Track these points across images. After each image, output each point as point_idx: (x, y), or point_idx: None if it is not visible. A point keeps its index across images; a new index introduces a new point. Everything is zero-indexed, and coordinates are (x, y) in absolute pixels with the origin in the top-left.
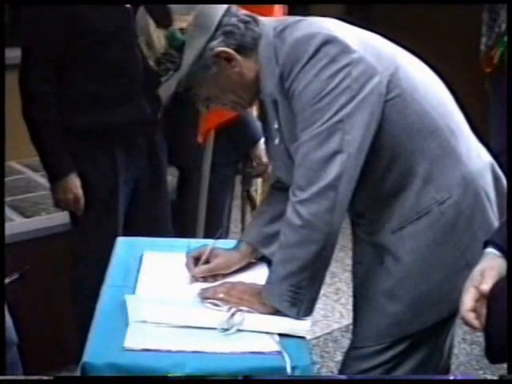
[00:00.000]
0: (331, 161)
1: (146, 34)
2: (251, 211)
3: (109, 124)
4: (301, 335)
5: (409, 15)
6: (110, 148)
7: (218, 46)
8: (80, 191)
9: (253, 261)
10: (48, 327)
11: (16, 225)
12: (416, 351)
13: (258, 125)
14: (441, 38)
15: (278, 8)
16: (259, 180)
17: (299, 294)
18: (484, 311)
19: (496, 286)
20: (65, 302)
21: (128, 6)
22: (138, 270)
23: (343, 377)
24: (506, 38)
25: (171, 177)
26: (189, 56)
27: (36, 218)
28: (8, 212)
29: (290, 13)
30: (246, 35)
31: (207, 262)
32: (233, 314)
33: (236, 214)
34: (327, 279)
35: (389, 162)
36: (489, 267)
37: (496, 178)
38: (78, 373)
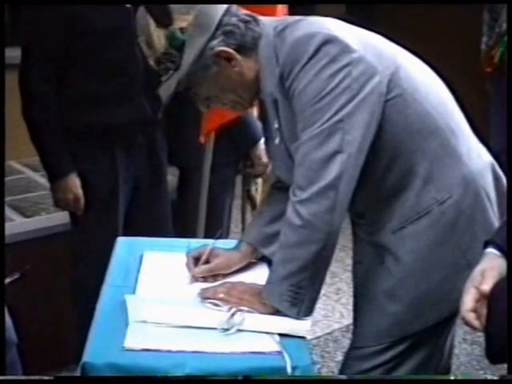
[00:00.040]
0: (331, 160)
1: (146, 34)
2: (251, 211)
3: (109, 124)
4: (301, 335)
5: (409, 15)
6: (109, 148)
7: (218, 46)
8: (80, 191)
9: (253, 261)
10: (48, 327)
11: (16, 225)
12: (416, 351)
13: (259, 125)
14: (441, 37)
15: (281, 8)
16: (259, 180)
17: (299, 294)
18: (484, 311)
19: (496, 287)
20: (65, 301)
21: (128, 5)
22: (138, 270)
23: (343, 377)
24: (506, 38)
25: (171, 176)
26: (189, 55)
27: (36, 217)
28: (8, 212)
29: (292, 13)
30: (246, 35)
31: (207, 261)
32: (233, 314)
33: (236, 213)
34: (328, 279)
35: (389, 161)
36: (489, 267)
37: (496, 178)
38: (78, 373)
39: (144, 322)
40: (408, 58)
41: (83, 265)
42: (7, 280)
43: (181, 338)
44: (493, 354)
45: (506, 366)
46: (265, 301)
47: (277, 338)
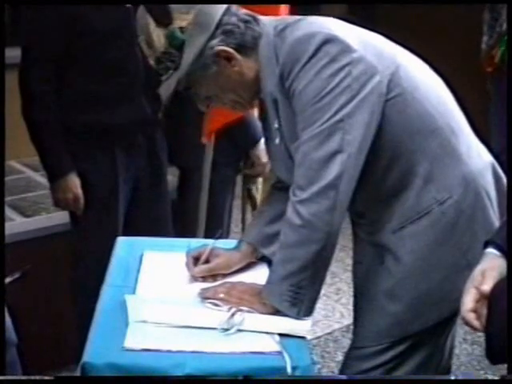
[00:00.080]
0: (331, 160)
1: (145, 33)
2: (252, 211)
3: (109, 124)
4: (301, 335)
5: (409, 15)
6: (109, 148)
7: (218, 45)
8: (80, 191)
9: (253, 261)
10: (48, 327)
11: (16, 224)
12: (417, 351)
13: (259, 125)
14: (441, 37)
15: (283, 8)
16: (260, 179)
17: (299, 294)
18: (484, 312)
19: (497, 287)
20: (65, 302)
21: (128, 5)
22: (138, 270)
23: (344, 377)
24: (507, 38)
25: (172, 176)
26: (189, 55)
27: (36, 217)
28: (8, 212)
29: (295, 13)
30: (246, 34)
31: (207, 261)
32: (233, 314)
33: (237, 213)
34: (328, 279)
35: (389, 161)
36: (489, 267)
37: (497, 178)
38: (78, 373)
39: (144, 321)
40: (408, 58)
41: (83, 265)
42: (7, 280)
43: (181, 338)
44: (493, 354)
45: (506, 366)
46: (265, 301)
47: (277, 338)
